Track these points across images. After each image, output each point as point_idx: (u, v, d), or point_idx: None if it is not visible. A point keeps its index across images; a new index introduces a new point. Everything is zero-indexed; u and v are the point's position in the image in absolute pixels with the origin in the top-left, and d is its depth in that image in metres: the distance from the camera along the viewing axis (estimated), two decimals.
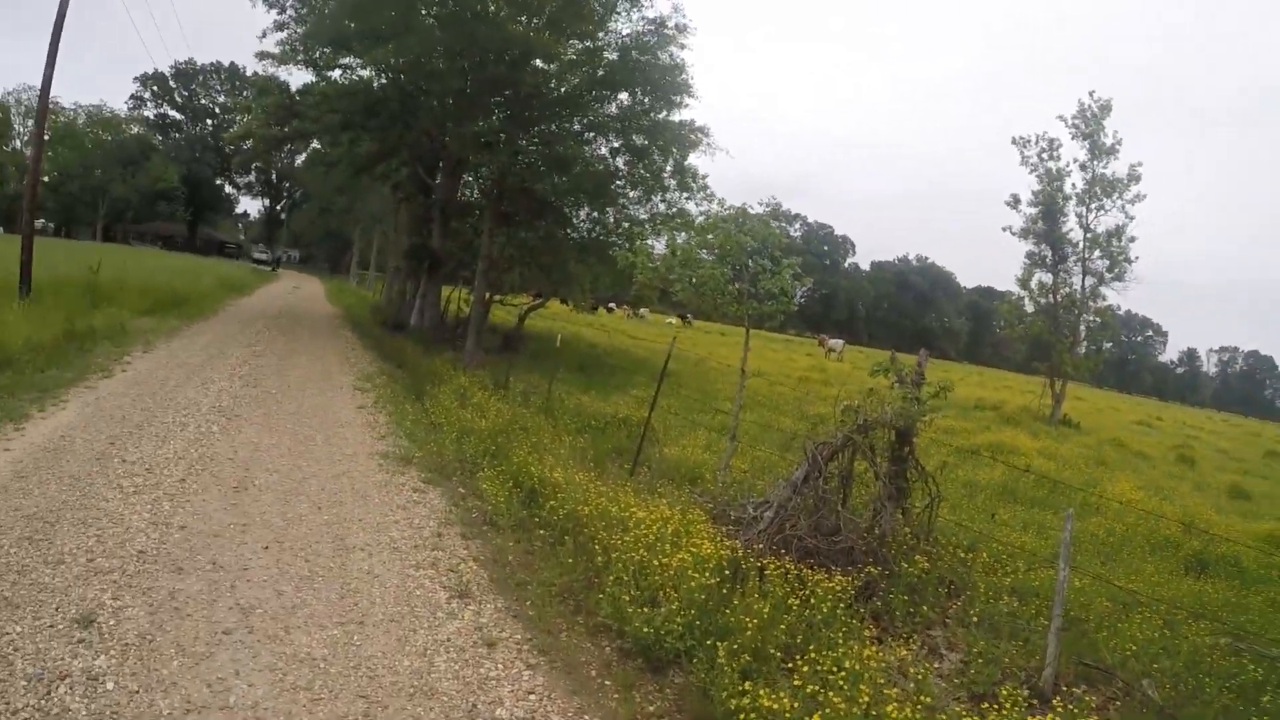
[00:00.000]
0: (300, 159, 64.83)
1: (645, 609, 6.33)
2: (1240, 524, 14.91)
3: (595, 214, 26.18)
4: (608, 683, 5.80)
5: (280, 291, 46.16)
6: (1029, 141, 35.03)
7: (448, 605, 6.58)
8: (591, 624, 6.59)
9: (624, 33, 23.38)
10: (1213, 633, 8.16)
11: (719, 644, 5.77)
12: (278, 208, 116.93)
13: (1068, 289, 34.70)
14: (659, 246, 17.37)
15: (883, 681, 5.54)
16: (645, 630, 6.09)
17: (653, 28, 23.27)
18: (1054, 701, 5.71)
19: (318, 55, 24.77)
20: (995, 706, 5.52)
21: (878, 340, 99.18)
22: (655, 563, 6.89)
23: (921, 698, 5.46)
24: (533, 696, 5.42)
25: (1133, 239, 33.57)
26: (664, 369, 12.78)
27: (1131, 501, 14.26)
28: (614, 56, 23.26)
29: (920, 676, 6.11)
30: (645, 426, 12.07)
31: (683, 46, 23.54)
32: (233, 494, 8.37)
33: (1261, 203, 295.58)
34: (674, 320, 69.12)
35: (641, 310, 71.23)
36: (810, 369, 37.68)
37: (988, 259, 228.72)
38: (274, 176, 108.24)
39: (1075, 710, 5.54)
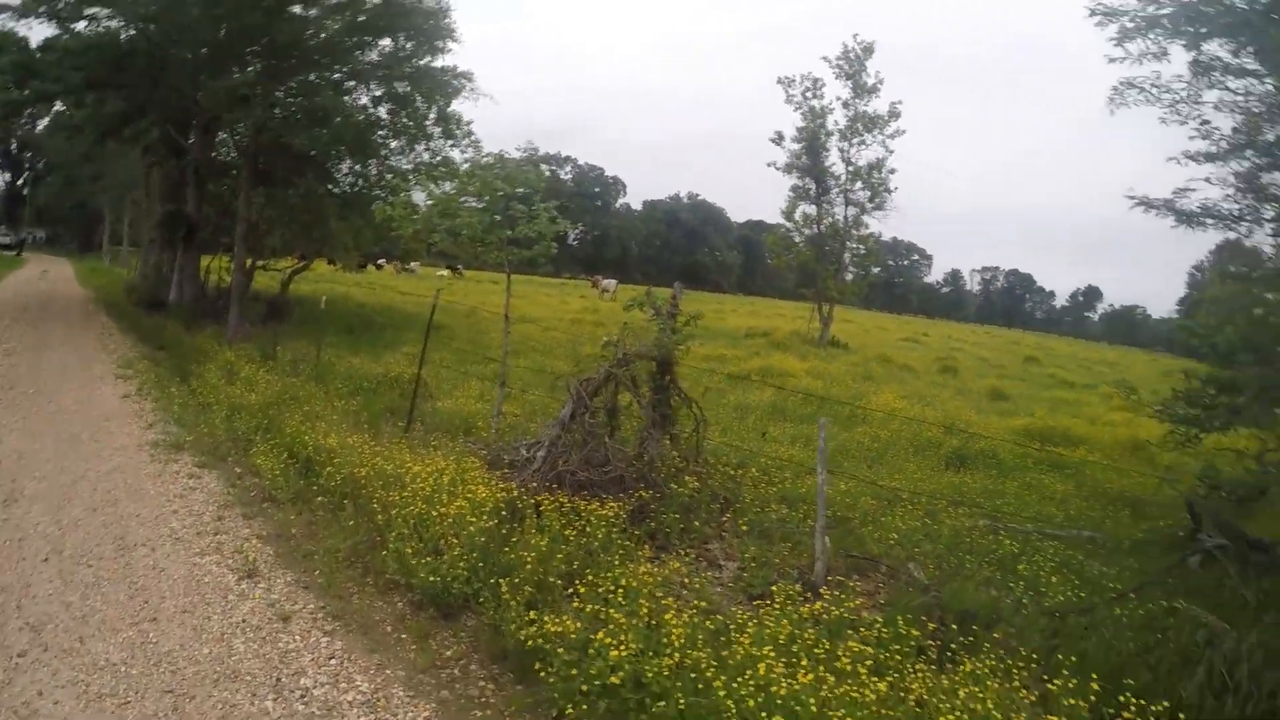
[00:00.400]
0: (43, 124, 58.30)
1: (430, 559, 6.55)
2: (999, 421, 16.65)
3: (358, 167, 25.31)
4: (404, 636, 6.03)
5: (28, 278, 41.97)
6: (794, 81, 36.72)
7: (238, 587, 6.58)
8: (381, 582, 6.76)
9: None
10: (972, 517, 9.28)
11: (502, 581, 6.08)
12: (19, 182, 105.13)
13: (831, 219, 36.84)
14: (423, 198, 17.14)
15: (661, 594, 5.99)
16: (432, 579, 6.32)
17: None
18: (822, 591, 6.37)
19: (61, 5, 22.43)
20: (770, 603, 6.11)
21: (651, 278, 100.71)
22: (434, 513, 7.11)
23: (699, 603, 5.98)
24: (333, 661, 5.59)
25: (892, 171, 36.10)
26: (429, 323, 12.80)
27: (895, 410, 15.58)
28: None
29: (698, 585, 6.65)
30: (416, 383, 12.13)
31: None
32: (2, 509, 7.90)
33: (1015, 141, 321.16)
34: (445, 273, 67.54)
35: (412, 264, 68.84)
36: (583, 310, 38.23)
37: (758, 195, 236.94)
38: (14, 147, 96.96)
39: (842, 596, 6.22)
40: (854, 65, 35.93)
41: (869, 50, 36.00)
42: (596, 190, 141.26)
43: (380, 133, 24.36)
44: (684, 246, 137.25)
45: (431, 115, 24.58)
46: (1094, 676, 5.09)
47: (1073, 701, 4.95)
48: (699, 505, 8.29)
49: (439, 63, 24.03)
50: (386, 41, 23.31)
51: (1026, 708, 4.97)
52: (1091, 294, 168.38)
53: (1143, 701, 4.88)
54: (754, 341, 30.95)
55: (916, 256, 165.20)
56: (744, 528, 8.05)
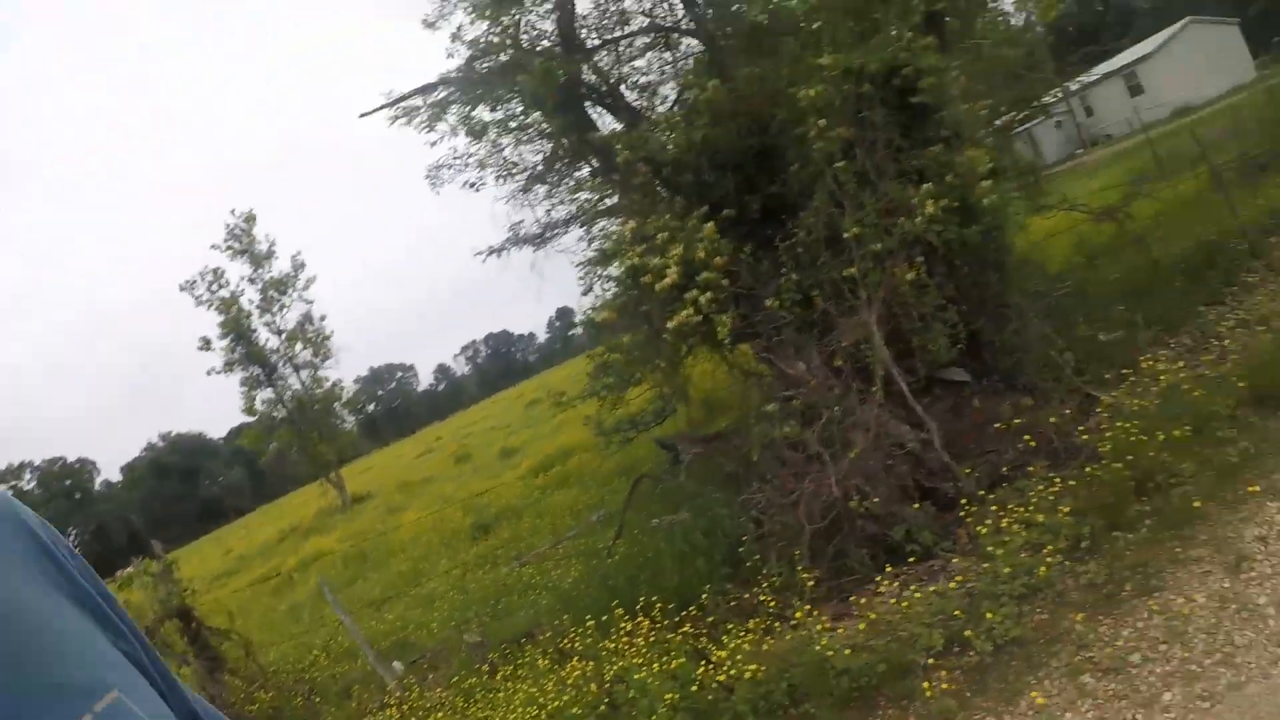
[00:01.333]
0: None
1: None
2: (509, 475, 18.80)
3: None
4: None
5: None
6: (195, 282, 35.21)
7: None
8: None
9: None
10: (498, 567, 11.44)
11: None
12: None
13: (291, 391, 36.30)
14: None
15: None
16: None
17: None
18: (390, 703, 8.00)
19: None
20: None
21: (173, 539, 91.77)
22: None
23: None
24: None
25: (323, 317, 36.71)
26: None
27: (416, 524, 17.20)
28: None
29: None
30: None
31: None
32: None
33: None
34: None
35: None
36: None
37: (229, 399, 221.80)
38: None
39: (412, 697, 7.87)
40: (244, 240, 35.37)
41: (252, 219, 35.50)
42: (68, 483, 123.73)
43: None
44: (185, 489, 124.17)
45: None
46: (588, 619, 6.90)
47: (578, 645, 6.69)
48: (284, 708, 9.33)
49: None
50: None
51: (551, 671, 6.64)
52: (564, 314, 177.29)
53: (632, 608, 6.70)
54: (289, 541, 30.58)
55: (401, 373, 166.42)
56: (318, 699, 9.33)
